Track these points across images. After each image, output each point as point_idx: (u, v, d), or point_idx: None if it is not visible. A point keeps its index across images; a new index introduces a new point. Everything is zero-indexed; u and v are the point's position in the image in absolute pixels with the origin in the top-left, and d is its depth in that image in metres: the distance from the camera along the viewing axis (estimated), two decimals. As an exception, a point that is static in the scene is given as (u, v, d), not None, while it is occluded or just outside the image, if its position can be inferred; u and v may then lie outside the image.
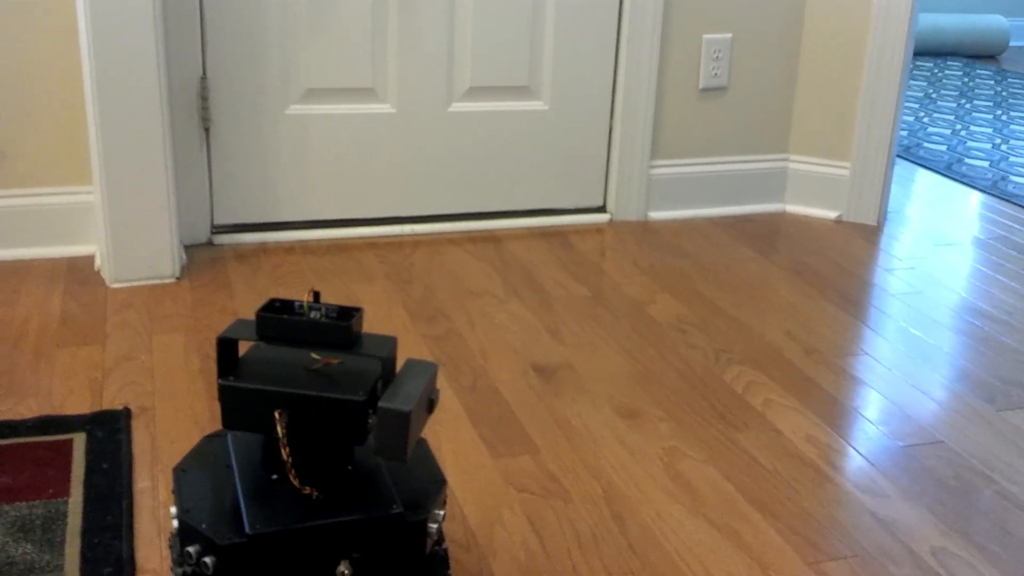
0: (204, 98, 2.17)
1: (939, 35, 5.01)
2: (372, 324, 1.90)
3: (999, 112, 3.96)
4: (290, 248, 2.25)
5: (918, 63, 4.86)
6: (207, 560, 0.99)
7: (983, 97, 4.21)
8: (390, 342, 1.08)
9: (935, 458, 1.56)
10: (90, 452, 1.44)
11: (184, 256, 2.14)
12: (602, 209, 2.54)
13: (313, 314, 1.05)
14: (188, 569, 1.02)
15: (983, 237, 2.55)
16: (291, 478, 1.02)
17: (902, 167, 3.13)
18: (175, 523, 1.03)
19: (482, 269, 2.19)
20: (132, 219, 2.01)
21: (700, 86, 2.50)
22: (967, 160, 3.24)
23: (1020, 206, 2.82)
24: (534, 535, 1.33)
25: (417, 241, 2.33)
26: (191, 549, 1.00)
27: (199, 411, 1.59)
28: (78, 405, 1.58)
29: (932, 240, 2.51)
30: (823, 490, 1.46)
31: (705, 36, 2.47)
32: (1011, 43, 5.33)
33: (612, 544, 1.32)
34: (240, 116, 2.21)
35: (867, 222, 2.58)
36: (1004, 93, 4.30)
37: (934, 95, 4.21)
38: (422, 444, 1.16)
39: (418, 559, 1.05)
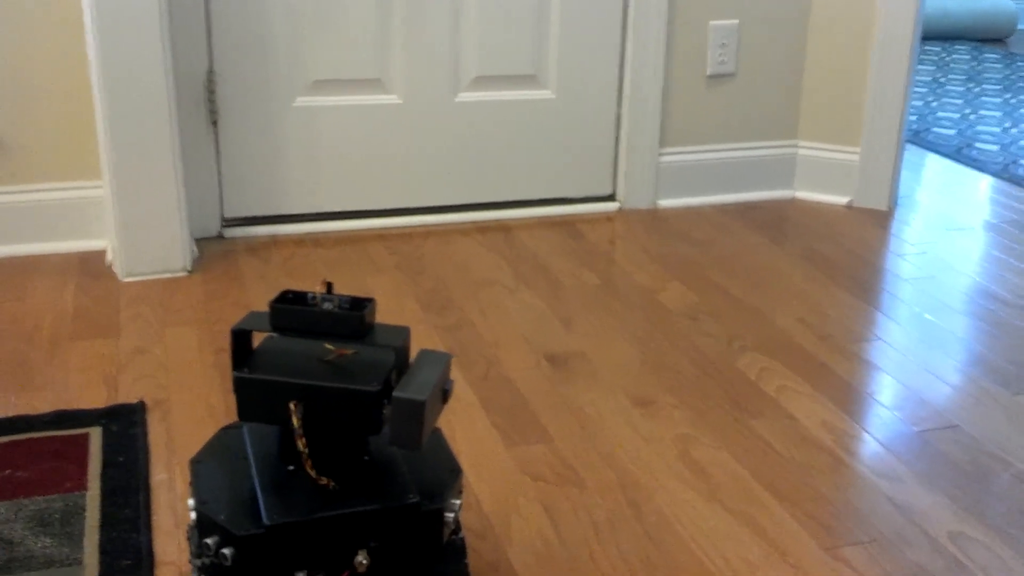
0: (211, 91, 2.17)
1: (947, 19, 4.99)
2: (383, 315, 1.90)
3: (1008, 96, 3.94)
4: (300, 241, 2.25)
5: (926, 47, 4.83)
6: (225, 551, 0.99)
7: (992, 81, 4.19)
8: (403, 332, 1.08)
9: (951, 443, 1.55)
10: (106, 445, 1.45)
11: (195, 249, 2.14)
12: (611, 198, 2.53)
13: (326, 305, 1.05)
14: (207, 560, 1.02)
15: (994, 221, 2.54)
16: (308, 469, 1.02)
17: (911, 152, 3.12)
18: (193, 515, 1.04)
19: (492, 259, 2.19)
20: (142, 213, 2.01)
21: (707, 73, 2.50)
22: (977, 144, 3.23)
23: (1031, 189, 2.81)
24: (550, 523, 1.33)
25: (427, 232, 2.33)
26: (209, 540, 1.00)
27: (214, 403, 1.59)
28: (93, 399, 1.59)
29: (943, 225, 2.50)
30: (839, 475, 1.46)
31: (711, 23, 2.46)
32: (1019, 26, 5.30)
33: (628, 531, 1.32)
34: (247, 109, 2.21)
35: (878, 207, 2.57)
36: (1013, 76, 4.28)
37: (942, 79, 4.19)
38: (437, 434, 1.16)
39: (435, 548, 1.06)
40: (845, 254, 2.29)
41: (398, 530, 1.02)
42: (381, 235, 2.30)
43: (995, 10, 5.02)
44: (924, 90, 3.98)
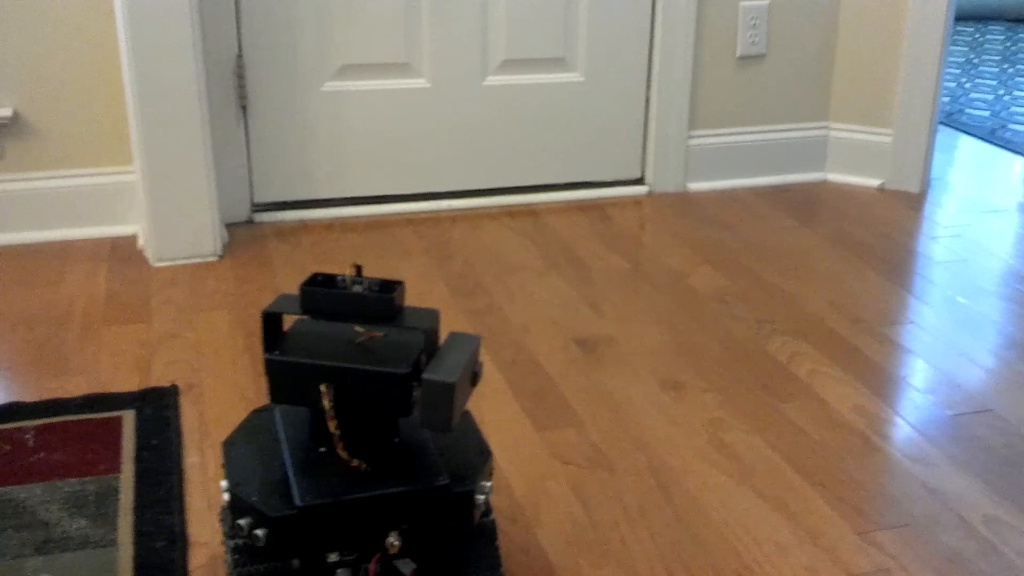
0: (240, 76, 2.18)
1: (980, -1, 4.91)
2: (412, 299, 1.90)
3: (1043, 76, 3.88)
4: (329, 225, 2.26)
5: (959, 28, 4.77)
6: (258, 532, 1.00)
7: (1027, 61, 4.12)
8: (432, 315, 1.08)
9: (985, 426, 1.54)
10: (139, 428, 1.46)
11: (225, 234, 2.15)
12: (640, 181, 2.52)
13: (356, 288, 1.05)
14: (239, 541, 1.03)
15: (1029, 203, 2.51)
16: (339, 451, 1.02)
17: (944, 133, 3.08)
18: (226, 496, 1.04)
19: (521, 243, 2.19)
20: (173, 198, 2.03)
21: (738, 54, 2.47)
22: (1011, 125, 3.18)
23: (1067, 171, 2.77)
24: (580, 507, 1.33)
25: (455, 216, 2.33)
26: (242, 522, 1.01)
27: (245, 386, 1.60)
28: (126, 382, 1.60)
29: (977, 207, 2.47)
30: (872, 460, 1.45)
31: (742, 3, 2.44)
32: (1055, 5, 5.21)
33: (659, 515, 1.32)
34: (276, 94, 2.22)
35: (910, 190, 2.55)
36: (1048, 56, 4.21)
37: (976, 60, 4.13)
38: (467, 416, 1.16)
39: (466, 530, 1.06)
40: (877, 237, 2.26)
41: (429, 512, 1.03)
42: (409, 219, 2.30)
43: (1030, -11, 4.94)
44: (957, 71, 3.93)
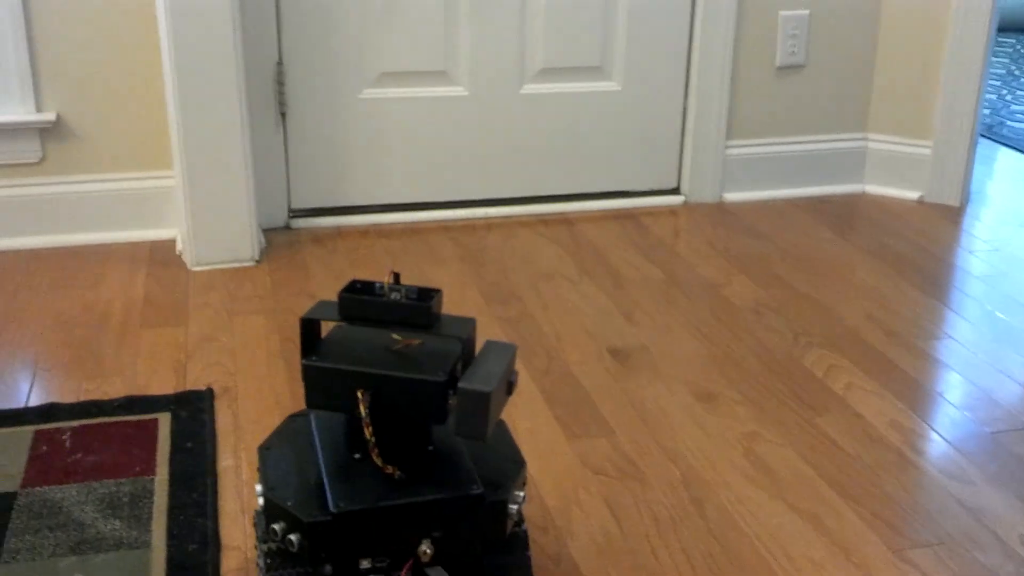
0: (280, 83, 2.20)
1: (1022, 10, 4.85)
2: (446, 307, 1.89)
3: (1087, 88, 3.83)
4: (365, 231, 2.27)
5: (1000, 39, 4.72)
6: (292, 537, 1.00)
7: (1070, 73, 4.07)
8: (469, 323, 1.08)
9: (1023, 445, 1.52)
10: (175, 431, 1.48)
11: (263, 239, 2.17)
12: (676, 191, 2.51)
13: (394, 295, 1.06)
14: (273, 546, 1.04)
15: (1071, 217, 2.48)
16: (374, 457, 1.03)
17: (984, 146, 3.04)
18: (260, 500, 1.05)
19: (555, 252, 2.19)
20: (212, 203, 2.05)
21: (777, 64, 2.46)
22: (1053, 138, 3.14)
23: (1110, 185, 2.73)
24: (612, 518, 1.33)
25: (490, 224, 2.33)
26: (276, 526, 1.02)
27: (280, 391, 1.61)
28: (162, 385, 1.62)
29: (1017, 221, 2.44)
30: (907, 476, 1.43)
31: (782, 13, 2.43)
32: (1099, 17, 5.14)
33: (691, 527, 1.31)
34: (315, 101, 2.23)
35: (949, 203, 2.52)
36: (1092, 69, 4.16)
37: (1017, 72, 4.08)
38: (502, 426, 1.16)
39: (498, 539, 1.06)
40: (915, 250, 2.24)
41: (462, 520, 1.03)
42: (445, 227, 2.31)
43: (1074, 1, 4.88)
44: (998, 83, 3.89)
